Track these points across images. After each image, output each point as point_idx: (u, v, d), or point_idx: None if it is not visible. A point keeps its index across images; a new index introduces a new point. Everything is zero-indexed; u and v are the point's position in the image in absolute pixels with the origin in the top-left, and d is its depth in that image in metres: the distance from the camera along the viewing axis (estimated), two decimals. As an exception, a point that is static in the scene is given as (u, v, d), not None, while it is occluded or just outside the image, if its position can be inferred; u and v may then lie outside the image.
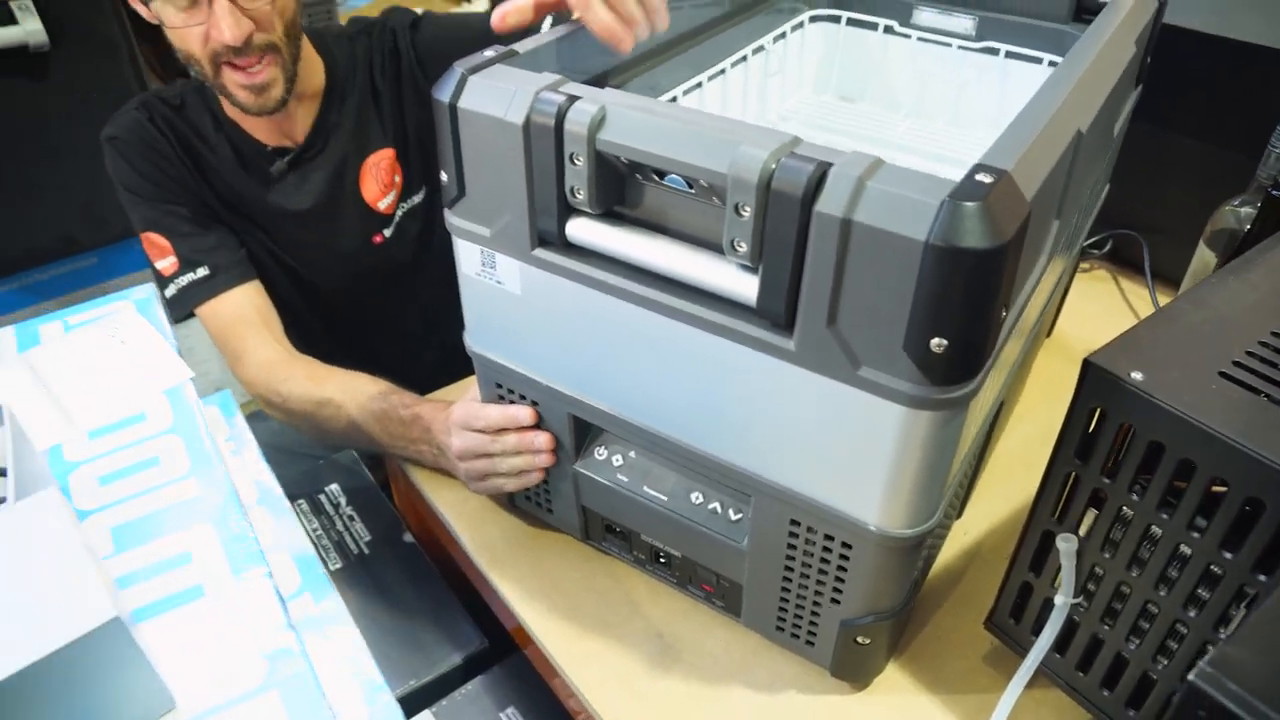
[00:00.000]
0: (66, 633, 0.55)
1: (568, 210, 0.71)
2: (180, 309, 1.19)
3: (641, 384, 0.76)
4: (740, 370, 0.68)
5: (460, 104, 0.71)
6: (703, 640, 0.89)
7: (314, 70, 1.24)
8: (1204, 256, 1.11)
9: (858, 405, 0.64)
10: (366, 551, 1.17)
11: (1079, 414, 0.67)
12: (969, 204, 0.54)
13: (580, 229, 0.71)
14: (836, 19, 1.15)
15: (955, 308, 0.57)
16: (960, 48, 1.09)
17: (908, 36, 1.12)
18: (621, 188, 0.70)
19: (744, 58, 1.03)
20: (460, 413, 0.93)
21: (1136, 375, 0.62)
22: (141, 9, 1.10)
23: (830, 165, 0.58)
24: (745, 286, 0.64)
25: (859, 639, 0.78)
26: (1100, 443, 0.66)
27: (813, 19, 1.15)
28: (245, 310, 1.18)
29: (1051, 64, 1.03)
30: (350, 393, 1.08)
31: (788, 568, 0.78)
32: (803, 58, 1.17)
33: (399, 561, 1.16)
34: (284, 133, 1.24)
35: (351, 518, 1.21)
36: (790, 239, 0.59)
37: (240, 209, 1.25)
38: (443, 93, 0.72)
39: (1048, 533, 0.73)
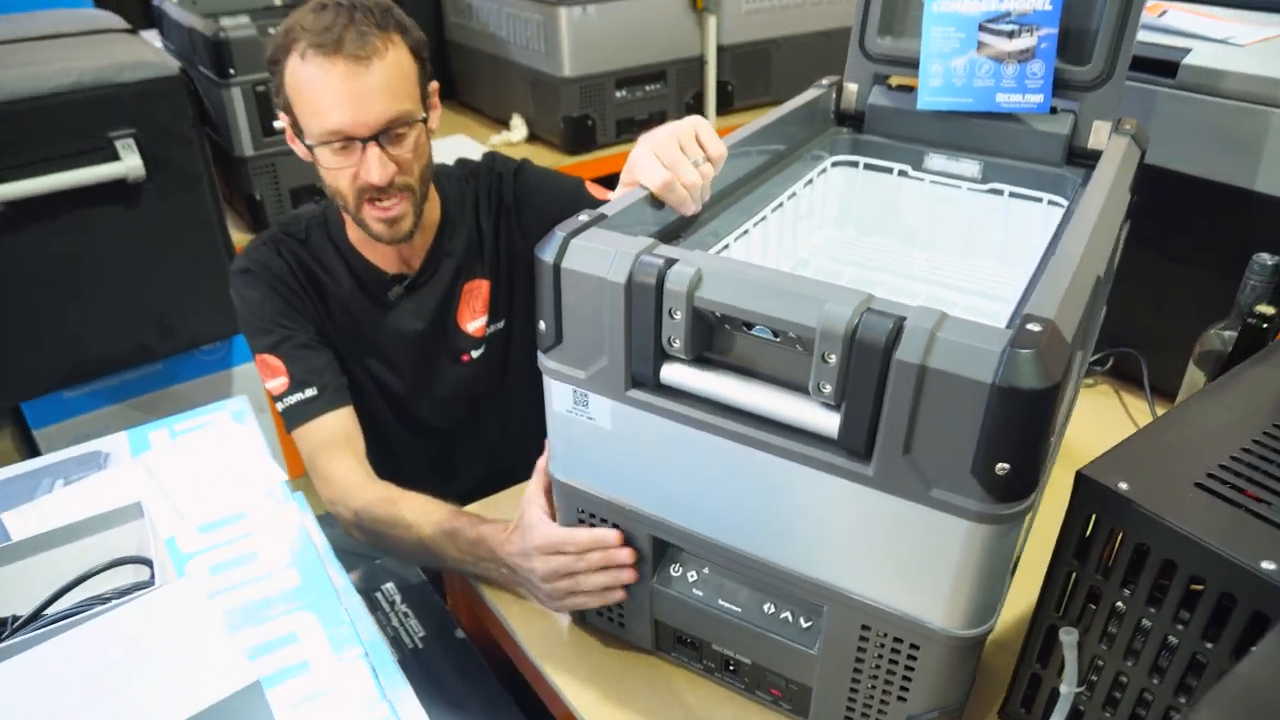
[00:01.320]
0: (217, 692, 0.64)
1: (662, 356, 0.81)
2: (287, 426, 1.30)
3: (723, 506, 0.86)
4: (818, 493, 0.78)
5: (564, 264, 0.82)
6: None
7: (433, 204, 1.39)
8: (1193, 376, 1.22)
9: (929, 522, 0.73)
10: (420, 646, 1.24)
11: (1075, 519, 0.77)
12: (1026, 351, 0.65)
13: (674, 373, 0.81)
14: (855, 164, 1.29)
15: (1016, 438, 0.67)
16: (968, 189, 1.22)
17: (920, 179, 1.25)
18: (711, 336, 0.80)
19: (780, 204, 1.16)
20: (543, 538, 1.01)
21: (1123, 485, 0.73)
22: (298, 148, 1.26)
23: (904, 319, 0.69)
24: (827, 422, 0.74)
25: (925, 733, 0.86)
26: (1095, 545, 0.76)
27: (834, 164, 1.28)
28: (336, 434, 1.28)
29: (1051, 203, 1.16)
30: (421, 514, 1.17)
31: (857, 669, 0.86)
32: (825, 198, 1.30)
33: (451, 656, 1.24)
34: (403, 259, 1.39)
35: (406, 614, 1.29)
36: (872, 382, 0.70)
37: (354, 332, 1.39)
38: (546, 253, 0.82)
39: (1052, 627, 0.82)
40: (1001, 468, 0.68)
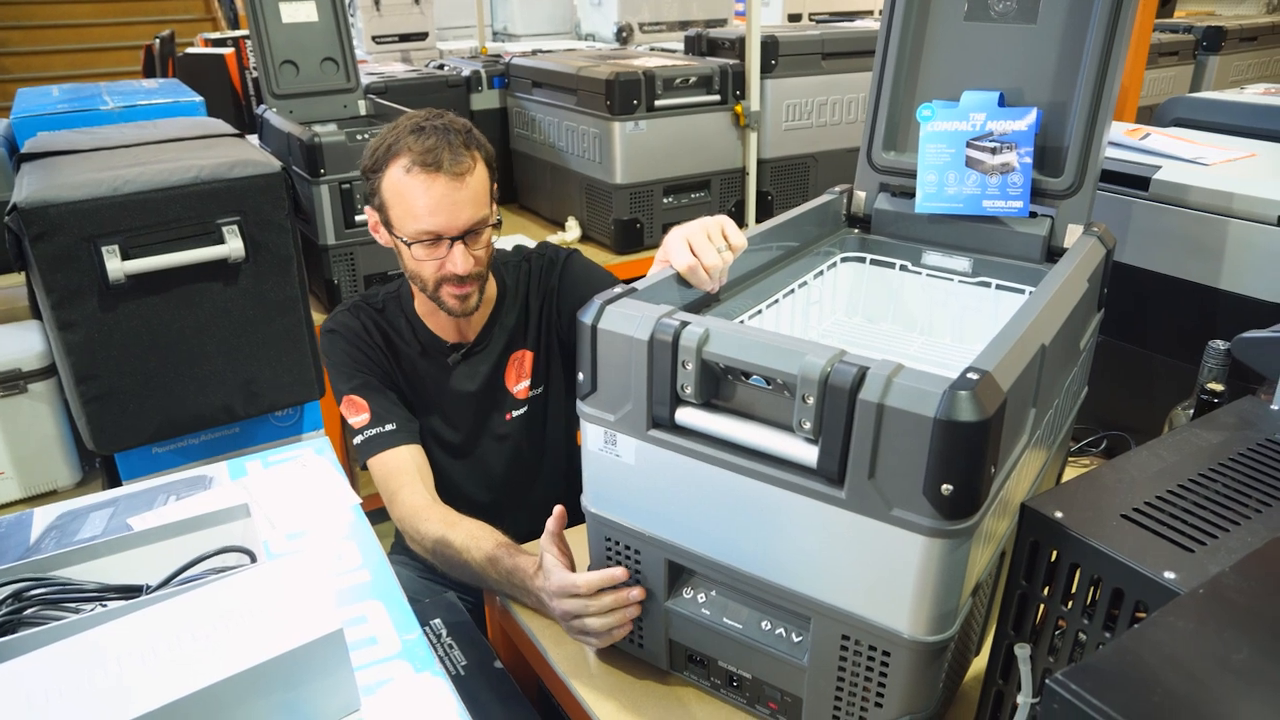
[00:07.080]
0: (310, 633, 0.82)
1: (677, 401, 0.98)
2: (365, 454, 1.51)
3: (727, 531, 1.01)
4: (802, 515, 0.94)
5: (600, 325, 1.00)
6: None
7: (490, 284, 1.63)
8: (1162, 450, 1.36)
9: (891, 537, 0.88)
10: (463, 674, 1.40)
11: (1022, 544, 0.91)
12: (963, 392, 0.81)
13: (687, 415, 0.98)
14: (862, 259, 1.47)
15: (957, 462, 0.83)
16: (960, 281, 1.39)
17: (919, 273, 1.42)
18: (717, 385, 0.98)
19: (792, 290, 1.34)
20: (558, 584, 1.17)
21: (1058, 514, 0.87)
22: (382, 237, 1.51)
23: (868, 368, 0.86)
24: (808, 454, 0.91)
25: (897, 737, 0.99)
26: (1038, 567, 0.90)
27: (844, 259, 1.46)
28: (407, 464, 1.50)
29: (1032, 294, 1.33)
30: (471, 540, 1.36)
31: (839, 678, 1.00)
32: (836, 289, 1.48)
33: (490, 684, 1.39)
34: (460, 332, 1.63)
35: (451, 646, 1.45)
36: (842, 418, 0.86)
37: (419, 389, 1.62)
38: (586, 316, 1.01)
39: (1010, 645, 0.95)
40: (946, 488, 0.84)
